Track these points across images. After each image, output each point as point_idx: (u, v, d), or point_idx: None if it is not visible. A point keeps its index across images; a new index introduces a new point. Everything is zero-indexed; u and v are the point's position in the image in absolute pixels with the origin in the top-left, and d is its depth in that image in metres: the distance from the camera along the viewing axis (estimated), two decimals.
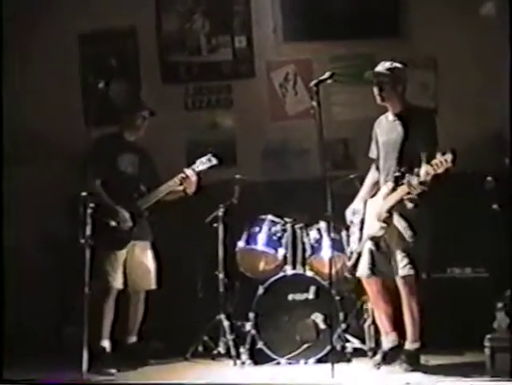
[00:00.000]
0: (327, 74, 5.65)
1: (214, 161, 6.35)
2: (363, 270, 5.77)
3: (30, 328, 6.81)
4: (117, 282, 6.20)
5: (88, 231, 5.58)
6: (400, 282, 5.57)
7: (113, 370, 5.88)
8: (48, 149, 7.36)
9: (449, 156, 5.10)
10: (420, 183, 5.27)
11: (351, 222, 5.94)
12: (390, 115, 5.81)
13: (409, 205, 5.55)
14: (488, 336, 5.35)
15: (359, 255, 5.78)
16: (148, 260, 6.37)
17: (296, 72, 7.58)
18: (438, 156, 5.18)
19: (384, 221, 5.59)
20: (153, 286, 6.38)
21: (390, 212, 5.57)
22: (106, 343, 6.19)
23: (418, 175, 5.27)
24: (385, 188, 5.67)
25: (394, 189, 5.56)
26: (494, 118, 6.89)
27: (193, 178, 6.28)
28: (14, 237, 6.48)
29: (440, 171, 5.15)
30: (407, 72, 5.89)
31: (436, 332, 5.82)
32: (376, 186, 5.89)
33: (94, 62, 7.72)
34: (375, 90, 5.75)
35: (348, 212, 5.99)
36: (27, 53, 7.53)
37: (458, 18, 7.25)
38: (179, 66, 7.71)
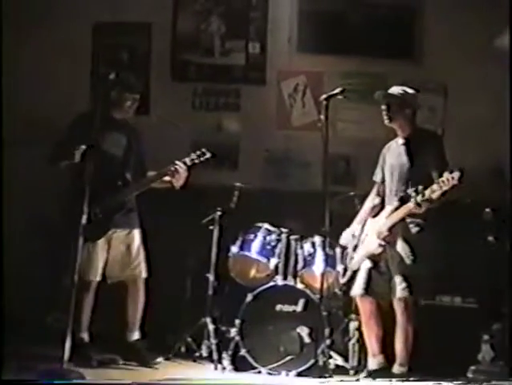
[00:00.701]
0: (337, 90, 5.67)
1: (208, 155, 6.14)
2: (357, 289, 5.77)
3: (13, 313, 6.76)
4: (92, 274, 6.04)
5: (84, 220, 5.52)
6: (397, 304, 5.58)
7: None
8: (51, 133, 7.31)
9: (456, 174, 5.13)
10: (426, 200, 5.27)
11: (346, 245, 5.97)
12: (399, 140, 5.82)
13: (414, 230, 5.56)
14: (472, 367, 5.36)
15: (355, 273, 5.78)
16: (134, 248, 6.16)
17: (306, 84, 7.58)
18: (445, 174, 5.19)
19: (384, 239, 5.59)
20: (139, 275, 6.18)
21: (391, 230, 5.57)
22: (85, 335, 6.11)
23: (423, 193, 5.27)
24: (389, 207, 5.69)
25: (397, 208, 5.57)
26: (499, 149, 6.91)
27: (182, 171, 6.06)
28: (9, 220, 6.43)
29: (446, 188, 5.15)
30: (418, 98, 5.89)
31: (421, 359, 5.80)
32: (374, 210, 5.90)
33: (106, 53, 7.71)
34: (383, 109, 5.76)
35: (347, 235, 6.02)
36: (40, 36, 7.51)
37: (472, 47, 7.28)
38: (190, 65, 7.70)
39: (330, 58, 7.53)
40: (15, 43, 7.24)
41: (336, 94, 5.65)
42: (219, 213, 6.55)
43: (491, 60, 7.15)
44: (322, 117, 5.55)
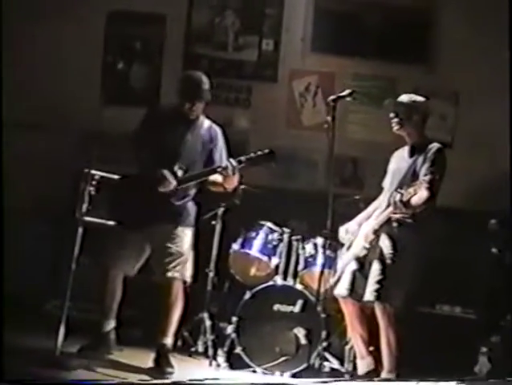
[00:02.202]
0: (346, 92, 5.60)
1: (253, 154, 5.72)
2: (339, 289, 5.73)
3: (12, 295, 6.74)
4: (120, 266, 5.81)
5: (84, 208, 5.51)
6: (376, 308, 5.53)
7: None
8: (58, 118, 7.31)
9: (427, 177, 5.16)
10: (402, 202, 5.26)
11: (342, 241, 5.92)
12: (406, 146, 5.78)
13: (394, 224, 5.50)
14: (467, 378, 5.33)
15: (342, 274, 5.75)
16: (180, 246, 5.77)
17: (318, 84, 7.55)
18: (420, 178, 5.26)
19: (369, 242, 5.57)
20: (181, 277, 5.76)
21: (376, 233, 5.54)
22: (111, 324, 5.89)
23: (401, 195, 5.26)
24: (379, 210, 5.67)
25: (384, 210, 5.56)
26: (508, 160, 6.84)
27: (233, 172, 5.63)
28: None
29: (419, 191, 5.17)
30: (429, 105, 5.83)
31: (418, 366, 5.75)
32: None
33: (118, 42, 7.71)
34: (392, 116, 5.72)
35: (342, 231, 5.94)
36: (53, 22, 7.49)
37: (486, 56, 7.24)
38: (202, 58, 7.67)
39: (343, 59, 7.51)
40: (28, 29, 7.23)
41: (345, 96, 5.58)
42: (222, 209, 6.52)
43: (504, 71, 7.09)
44: (329, 118, 5.49)
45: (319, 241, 6.35)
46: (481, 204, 6.58)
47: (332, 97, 5.54)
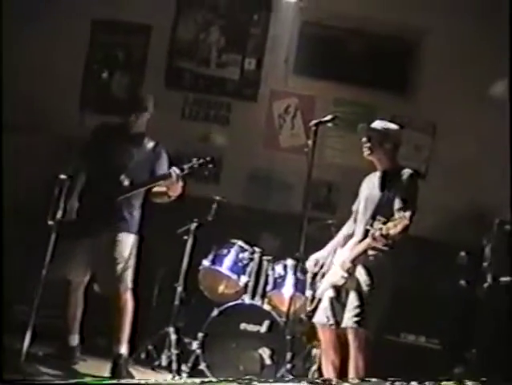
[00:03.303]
0: (329, 117, 5.59)
1: (195, 162, 5.91)
2: (319, 317, 5.73)
3: None
4: (74, 274, 5.93)
5: (59, 215, 5.49)
6: (350, 334, 5.54)
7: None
8: (36, 122, 7.27)
9: (407, 214, 5.14)
10: (383, 236, 5.25)
11: (310, 271, 5.93)
12: (377, 172, 5.80)
13: (370, 252, 5.52)
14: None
15: (319, 301, 5.76)
16: (122, 253, 5.88)
17: (298, 106, 7.59)
18: (397, 213, 5.24)
19: (347, 271, 5.58)
20: (122, 284, 5.87)
21: (354, 262, 5.56)
22: (75, 339, 5.99)
23: (381, 228, 5.26)
24: (355, 238, 5.67)
25: (361, 241, 5.55)
26: (482, 193, 6.93)
27: (176, 179, 5.82)
28: None
29: (399, 226, 5.15)
30: (402, 134, 5.85)
31: None
32: (346, 240, 5.88)
33: (101, 51, 7.70)
34: (364, 141, 5.74)
35: (311, 260, 5.92)
36: (39, 28, 7.43)
37: (465, 89, 7.32)
38: (184, 73, 7.69)
39: (324, 83, 7.57)
40: (15, 33, 7.18)
41: (327, 121, 5.59)
42: (195, 224, 6.52)
43: (483, 104, 7.20)
44: (309, 142, 5.50)
45: (290, 262, 6.38)
46: (451, 236, 6.63)
47: (315, 121, 5.52)
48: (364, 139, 5.73)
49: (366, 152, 5.73)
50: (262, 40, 7.62)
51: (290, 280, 6.24)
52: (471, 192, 7.05)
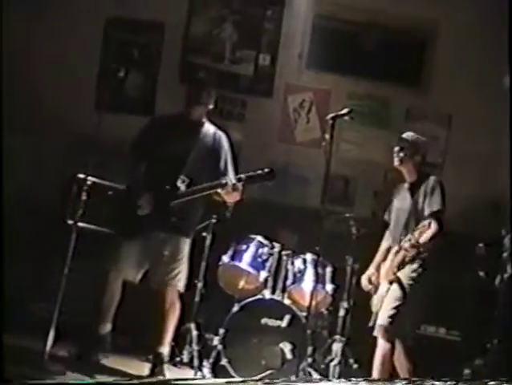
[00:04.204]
0: (345, 110, 5.60)
1: (253, 173, 5.73)
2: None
3: None
4: (120, 270, 5.83)
5: (79, 213, 5.51)
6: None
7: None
8: (51, 122, 7.30)
9: (426, 222, 5.45)
10: (413, 246, 5.50)
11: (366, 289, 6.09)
12: (406, 184, 5.98)
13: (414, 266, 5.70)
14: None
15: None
16: (177, 256, 5.84)
17: (312, 101, 7.60)
18: (421, 224, 5.49)
19: (390, 282, 5.69)
20: (176, 286, 5.85)
21: (395, 274, 5.68)
22: (107, 327, 5.91)
23: (410, 239, 5.49)
24: (393, 250, 5.83)
25: (397, 253, 5.72)
26: (497, 184, 6.92)
27: (232, 187, 5.67)
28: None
29: (424, 236, 5.47)
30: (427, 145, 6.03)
31: None
32: (389, 250, 6.00)
33: (116, 49, 7.70)
34: (396, 150, 5.90)
35: (364, 279, 6.09)
36: (52, 26, 7.48)
37: (479, 81, 7.33)
38: (199, 69, 7.69)
39: (338, 77, 7.58)
40: (25, 32, 7.21)
41: (343, 114, 5.60)
42: (214, 221, 6.54)
43: (497, 96, 7.17)
44: (327, 136, 5.51)
45: (309, 256, 6.39)
46: (470, 227, 6.64)
47: (331, 115, 5.54)
48: (397, 149, 5.89)
49: (397, 162, 5.92)
50: (276, 35, 7.63)
51: (309, 274, 6.25)
52: (488, 182, 7.07)
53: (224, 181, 5.70)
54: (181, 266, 5.88)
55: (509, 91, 6.52)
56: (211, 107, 6.03)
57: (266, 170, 5.70)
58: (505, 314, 5.89)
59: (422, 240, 5.47)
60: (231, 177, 5.73)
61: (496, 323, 5.88)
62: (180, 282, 5.88)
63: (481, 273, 6.30)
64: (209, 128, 6.02)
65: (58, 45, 7.50)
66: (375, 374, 5.62)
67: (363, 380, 5.25)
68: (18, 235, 6.99)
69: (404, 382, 4.50)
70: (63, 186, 6.21)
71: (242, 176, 5.71)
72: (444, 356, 6.35)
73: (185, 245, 5.92)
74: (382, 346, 5.66)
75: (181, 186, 5.78)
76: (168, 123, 6.04)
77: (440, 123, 7.50)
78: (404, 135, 5.96)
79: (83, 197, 5.54)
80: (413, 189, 5.88)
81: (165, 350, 5.85)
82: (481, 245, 6.40)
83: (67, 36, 7.52)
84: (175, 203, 5.76)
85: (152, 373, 5.70)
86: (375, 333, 5.67)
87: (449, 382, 4.08)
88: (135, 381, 5.57)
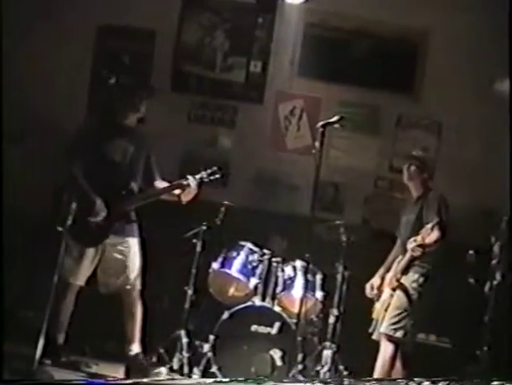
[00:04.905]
0: (335, 118, 5.61)
1: (218, 175, 6.15)
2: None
3: None
4: (77, 278, 5.95)
5: (69, 221, 5.49)
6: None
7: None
8: (43, 131, 7.29)
9: (429, 225, 5.69)
10: (418, 246, 5.72)
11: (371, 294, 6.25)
12: (412, 199, 6.23)
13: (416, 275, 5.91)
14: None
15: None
16: (130, 258, 6.01)
17: (303, 108, 7.60)
18: (424, 228, 5.72)
19: (393, 289, 5.75)
20: (131, 286, 6.03)
21: (398, 280, 5.82)
22: (60, 337, 6.00)
23: (415, 240, 5.71)
24: (398, 259, 6.03)
25: (402, 260, 5.93)
26: (487, 192, 6.96)
27: (194, 188, 5.98)
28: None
29: (427, 239, 5.70)
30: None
31: None
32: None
33: (107, 56, 7.70)
34: (405, 167, 6.17)
35: (367, 287, 6.25)
36: (43, 34, 7.47)
37: (471, 89, 7.33)
38: (190, 77, 7.70)
39: (329, 85, 7.58)
40: (17, 40, 7.20)
41: (334, 122, 5.60)
42: (204, 228, 6.53)
43: (489, 104, 7.20)
44: (316, 144, 5.51)
45: (299, 264, 6.40)
46: (460, 235, 6.62)
47: (322, 123, 5.54)
48: (406, 166, 6.16)
49: (406, 178, 6.18)
50: (267, 42, 7.63)
51: (299, 281, 6.26)
52: (478, 190, 7.08)
53: (185, 182, 5.95)
54: (136, 267, 6.04)
55: (509, 101, 6.56)
56: (142, 114, 6.19)
57: (215, 168, 6.08)
58: (495, 321, 5.89)
59: (427, 240, 5.68)
60: (190, 178, 5.96)
61: (486, 330, 5.87)
62: (136, 281, 6.05)
63: (472, 280, 6.31)
64: (141, 133, 6.21)
65: (50, 52, 7.49)
66: (376, 376, 5.66)
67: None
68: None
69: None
70: (53, 193, 6.17)
71: (198, 176, 6.00)
72: (434, 363, 6.35)
73: (136, 246, 6.07)
74: (384, 348, 5.78)
75: (135, 189, 6.01)
76: (104, 129, 6.14)
77: (430, 132, 7.50)
78: (415, 153, 6.31)
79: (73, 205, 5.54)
80: (418, 203, 6.09)
81: (136, 347, 6.02)
82: (471, 252, 6.40)
83: (58, 44, 7.52)
84: (132, 207, 5.98)
85: (127, 375, 5.83)
86: (376, 337, 5.76)
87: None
88: (129, 381, 5.62)
